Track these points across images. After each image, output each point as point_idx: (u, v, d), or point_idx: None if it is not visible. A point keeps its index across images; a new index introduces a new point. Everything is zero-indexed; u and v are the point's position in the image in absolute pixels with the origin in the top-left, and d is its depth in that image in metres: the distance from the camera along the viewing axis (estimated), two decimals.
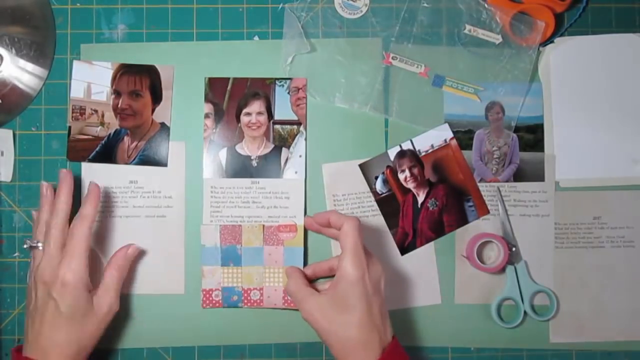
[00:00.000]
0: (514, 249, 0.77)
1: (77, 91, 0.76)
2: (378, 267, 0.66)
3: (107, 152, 0.76)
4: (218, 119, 0.76)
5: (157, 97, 0.76)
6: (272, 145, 0.76)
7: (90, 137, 0.76)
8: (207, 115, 0.76)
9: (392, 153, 0.77)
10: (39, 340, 0.65)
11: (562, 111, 0.78)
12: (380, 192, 0.77)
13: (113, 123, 0.76)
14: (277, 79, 0.76)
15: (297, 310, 0.72)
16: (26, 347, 0.66)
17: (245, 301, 0.75)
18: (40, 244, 0.68)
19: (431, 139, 0.77)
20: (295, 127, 0.76)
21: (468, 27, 0.77)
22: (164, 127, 0.76)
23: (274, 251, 0.75)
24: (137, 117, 0.76)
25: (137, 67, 0.76)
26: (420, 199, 0.77)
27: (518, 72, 0.76)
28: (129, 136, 0.76)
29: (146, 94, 0.76)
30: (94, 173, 0.75)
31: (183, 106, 0.76)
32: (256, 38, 0.77)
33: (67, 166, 0.76)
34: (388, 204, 0.77)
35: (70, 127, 0.76)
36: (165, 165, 0.76)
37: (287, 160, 0.76)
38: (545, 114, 0.77)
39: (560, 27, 0.78)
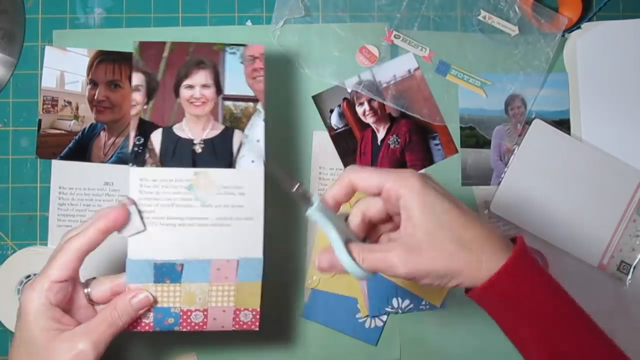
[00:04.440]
0: None
1: (48, 80, 0.72)
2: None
3: (81, 149, 0.71)
4: (150, 92, 0.62)
5: None
6: (222, 127, 0.62)
7: (62, 131, 0.72)
8: (136, 88, 0.62)
9: (350, 84, 0.71)
10: None
11: (591, 104, 0.74)
12: (335, 127, 0.72)
13: (88, 117, 0.72)
14: (228, 45, 0.64)
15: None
16: None
17: (184, 324, 0.61)
18: None
19: (393, 69, 0.72)
20: (251, 104, 0.62)
21: (483, 13, 0.73)
22: None
23: (225, 265, 0.60)
24: (115, 110, 0.72)
25: (117, 54, 0.72)
26: (381, 135, 0.72)
27: (538, 63, 0.72)
28: (105, 131, 0.72)
29: (126, 85, 0.72)
30: (65, 172, 0.71)
31: None
32: (249, 23, 0.73)
33: (37, 165, 0.72)
34: (344, 141, 0.72)
35: (40, 120, 0.72)
36: None
37: (240, 145, 0.62)
38: (571, 108, 0.74)
39: (589, 11, 0.74)
